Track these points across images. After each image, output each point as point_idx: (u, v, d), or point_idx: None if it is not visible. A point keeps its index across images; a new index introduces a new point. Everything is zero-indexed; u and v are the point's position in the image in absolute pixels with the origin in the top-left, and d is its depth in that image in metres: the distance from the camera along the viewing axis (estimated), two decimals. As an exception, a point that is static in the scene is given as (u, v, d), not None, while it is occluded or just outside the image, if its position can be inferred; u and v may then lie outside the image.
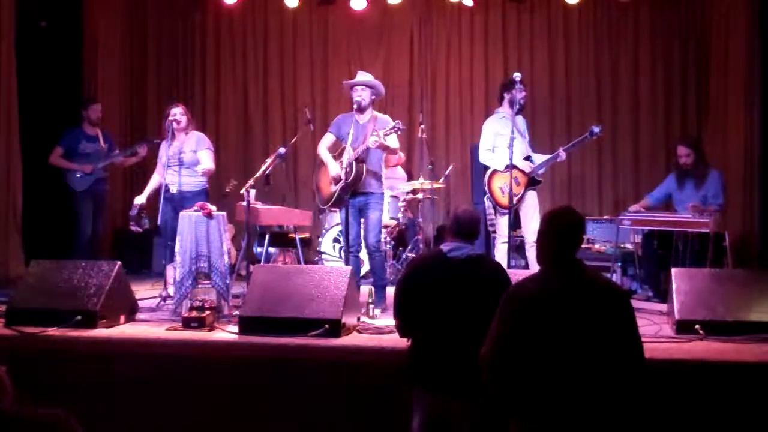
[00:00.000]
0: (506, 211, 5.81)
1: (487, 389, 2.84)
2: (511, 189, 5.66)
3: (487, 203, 6.04)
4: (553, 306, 2.71)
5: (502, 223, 5.89)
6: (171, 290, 5.92)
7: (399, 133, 5.55)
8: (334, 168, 5.64)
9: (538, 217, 6.05)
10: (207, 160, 5.99)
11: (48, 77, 7.60)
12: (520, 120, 6.12)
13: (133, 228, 6.03)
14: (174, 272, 5.96)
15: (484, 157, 6.05)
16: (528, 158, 6.04)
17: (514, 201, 5.84)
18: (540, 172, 6.03)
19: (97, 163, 6.93)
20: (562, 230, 2.84)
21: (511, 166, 5.60)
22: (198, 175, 5.95)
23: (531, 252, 5.96)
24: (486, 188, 5.98)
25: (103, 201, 7.13)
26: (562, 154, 6.04)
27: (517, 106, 5.85)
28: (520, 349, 2.72)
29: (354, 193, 5.60)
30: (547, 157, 6.07)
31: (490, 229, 6.19)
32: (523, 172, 5.93)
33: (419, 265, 3.56)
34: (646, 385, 2.85)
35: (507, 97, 6.04)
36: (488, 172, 5.98)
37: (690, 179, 6.34)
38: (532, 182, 5.98)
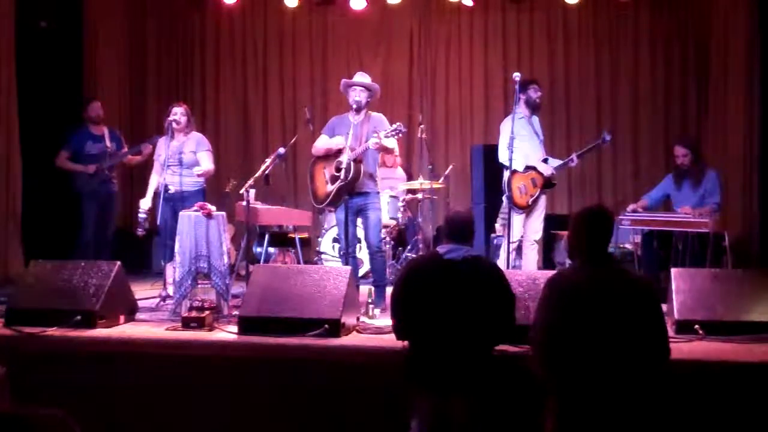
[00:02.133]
0: (520, 210, 5.88)
1: (535, 369, 3.06)
2: (511, 190, 5.69)
3: (505, 202, 6.07)
4: (595, 295, 2.95)
5: (515, 222, 5.93)
6: (170, 290, 5.93)
7: (400, 136, 5.54)
8: (338, 141, 5.59)
9: (542, 217, 6.10)
10: (207, 162, 6.00)
11: (48, 77, 7.60)
12: (536, 120, 6.17)
13: (139, 232, 6.03)
14: (173, 272, 5.97)
15: (503, 157, 6.06)
16: (545, 160, 6.09)
17: (529, 202, 5.92)
18: (554, 174, 6.12)
19: (103, 163, 6.88)
20: (595, 227, 3.09)
21: (510, 169, 5.62)
22: (211, 174, 5.98)
23: (529, 251, 5.98)
24: (505, 187, 5.99)
25: (110, 202, 7.00)
26: (575, 160, 6.14)
27: (537, 103, 6.03)
28: (565, 333, 2.94)
29: (351, 194, 5.58)
30: (560, 161, 6.16)
31: (501, 229, 6.22)
32: (541, 174, 5.97)
33: (416, 267, 3.56)
34: (663, 371, 3.07)
35: (523, 97, 6.07)
36: (509, 172, 5.99)
37: (687, 179, 6.34)
38: (547, 185, 6.04)
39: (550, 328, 2.98)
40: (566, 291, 3.02)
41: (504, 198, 6.08)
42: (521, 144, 5.83)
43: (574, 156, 6.18)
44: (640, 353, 2.91)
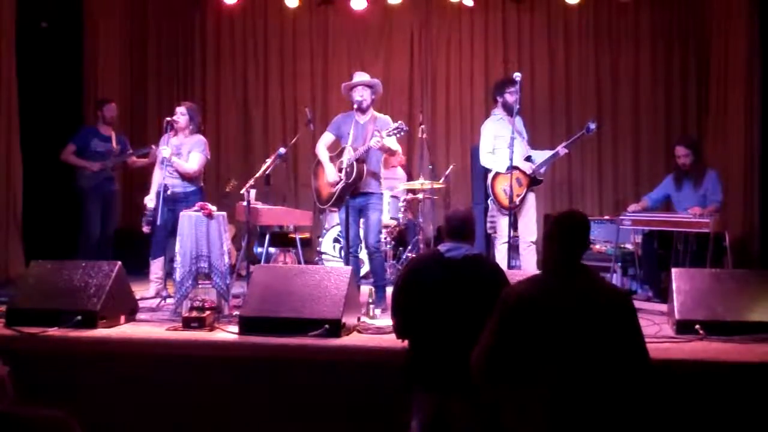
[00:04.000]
0: (507, 212, 5.82)
1: (476, 379, 2.85)
2: (511, 190, 5.66)
3: (491, 205, 6.04)
4: (558, 311, 2.69)
5: (503, 224, 5.89)
6: (152, 288, 5.94)
7: (402, 134, 5.54)
8: (332, 173, 5.63)
9: (535, 217, 6.07)
10: (193, 161, 5.95)
11: (48, 77, 7.61)
12: (518, 120, 6.12)
13: (146, 229, 6.05)
14: (159, 268, 5.99)
15: (485, 160, 6.05)
16: (528, 158, 6.03)
17: (517, 201, 5.85)
18: (542, 170, 6.03)
19: (107, 162, 6.97)
20: (567, 235, 2.81)
21: (512, 167, 5.59)
22: (193, 175, 5.97)
23: (526, 252, 5.95)
24: (489, 190, 5.98)
25: (113, 200, 7.15)
26: (562, 150, 6.04)
27: (507, 111, 5.93)
28: (519, 352, 2.71)
29: (354, 194, 5.59)
30: (547, 155, 6.06)
31: (490, 231, 6.18)
32: (524, 173, 5.92)
33: (417, 266, 3.56)
34: (655, 387, 2.87)
35: (500, 100, 6.05)
36: (491, 175, 5.98)
37: (688, 180, 6.34)
38: (533, 182, 5.98)
39: (492, 342, 2.77)
40: (515, 304, 2.76)
41: (489, 201, 6.05)
42: (504, 144, 5.82)
43: (561, 147, 6.05)
44: (614, 373, 2.64)
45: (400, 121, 5.54)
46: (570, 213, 2.97)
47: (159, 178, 6.04)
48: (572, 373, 2.65)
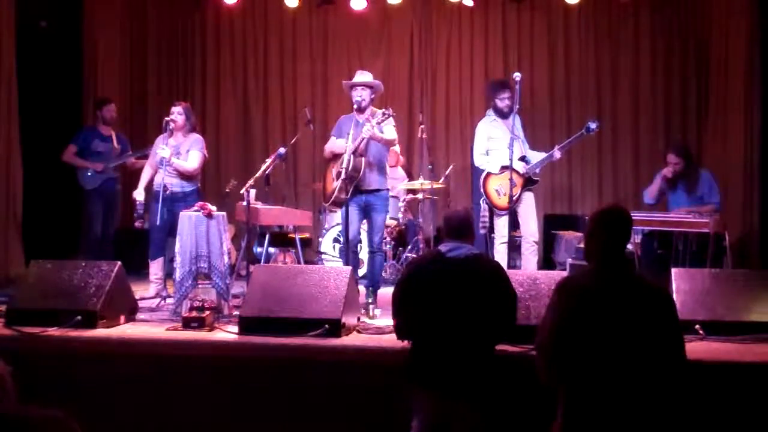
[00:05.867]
0: (504, 212, 5.82)
1: (540, 376, 2.91)
2: (511, 190, 5.66)
3: (483, 205, 6.04)
4: (606, 300, 2.81)
5: (501, 224, 5.89)
6: (152, 288, 5.95)
7: (391, 117, 5.50)
8: (340, 143, 5.57)
9: (535, 217, 6.06)
10: (193, 160, 5.97)
11: (48, 77, 7.61)
12: (516, 120, 6.12)
13: (137, 224, 6.06)
14: (158, 269, 5.99)
15: (478, 161, 6.06)
16: (523, 158, 6.01)
17: (513, 201, 5.83)
18: (537, 170, 6.02)
19: (109, 162, 6.98)
20: (611, 228, 2.95)
21: (510, 168, 5.59)
22: (191, 175, 5.96)
23: (529, 252, 5.95)
24: (482, 191, 5.98)
25: (115, 201, 7.17)
26: (557, 153, 6.03)
27: (504, 111, 5.94)
28: (571, 338, 2.80)
29: (358, 191, 5.54)
30: (542, 156, 6.06)
31: (482, 231, 6.17)
32: (518, 173, 5.91)
33: (418, 266, 3.56)
34: (687, 381, 2.93)
35: (492, 103, 6.07)
36: (483, 175, 5.99)
37: (681, 182, 6.34)
38: (528, 182, 5.97)
39: (555, 331, 2.86)
40: (573, 294, 2.88)
41: (481, 202, 6.03)
42: (498, 145, 5.80)
43: (556, 149, 6.04)
44: (651, 363, 2.76)
45: (387, 107, 5.53)
46: (611, 208, 3.10)
47: (148, 175, 6.11)
48: (617, 361, 2.74)
